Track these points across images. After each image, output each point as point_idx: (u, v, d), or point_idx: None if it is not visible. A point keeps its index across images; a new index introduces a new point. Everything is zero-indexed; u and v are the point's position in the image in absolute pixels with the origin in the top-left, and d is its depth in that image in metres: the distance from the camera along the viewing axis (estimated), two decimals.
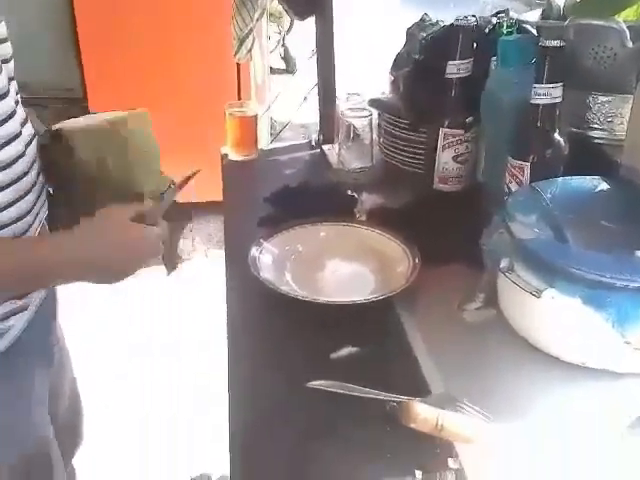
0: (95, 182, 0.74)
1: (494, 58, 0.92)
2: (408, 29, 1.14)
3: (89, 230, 0.69)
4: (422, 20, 1.13)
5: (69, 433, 0.98)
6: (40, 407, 0.82)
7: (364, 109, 1.13)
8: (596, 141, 0.88)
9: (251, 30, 1.30)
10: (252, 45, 1.35)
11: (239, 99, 2.21)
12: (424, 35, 1.07)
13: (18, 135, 0.71)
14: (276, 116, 2.94)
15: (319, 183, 1.08)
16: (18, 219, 0.70)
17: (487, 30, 0.98)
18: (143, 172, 0.77)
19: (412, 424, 0.53)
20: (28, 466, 0.79)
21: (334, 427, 0.60)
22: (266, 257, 0.85)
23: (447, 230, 0.86)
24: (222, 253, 0.94)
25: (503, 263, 0.68)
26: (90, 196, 0.74)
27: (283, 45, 4.04)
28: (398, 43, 1.15)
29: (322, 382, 0.62)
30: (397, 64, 1.13)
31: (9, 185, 0.69)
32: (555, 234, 0.69)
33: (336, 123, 1.18)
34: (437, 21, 1.11)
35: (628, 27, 0.83)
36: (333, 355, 0.69)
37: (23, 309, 0.76)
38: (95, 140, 0.74)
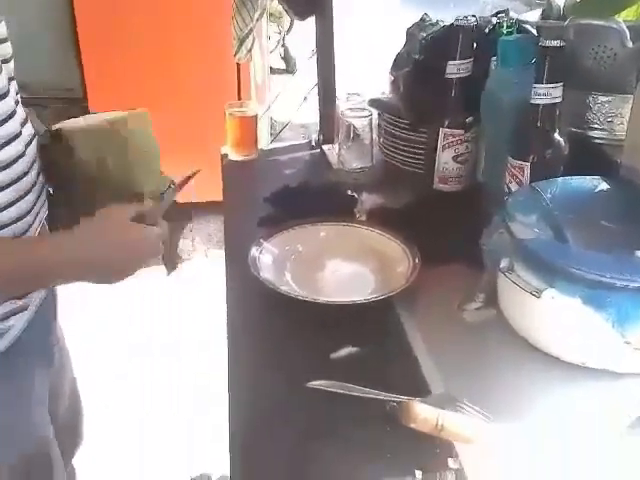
0: (95, 182, 0.74)
1: (494, 58, 0.92)
2: (408, 29, 1.14)
3: (89, 230, 0.69)
4: (422, 20, 1.13)
5: (69, 433, 0.98)
6: (40, 407, 0.82)
7: (364, 109, 1.13)
8: (596, 141, 0.88)
9: (251, 30, 1.30)
10: (252, 45, 1.35)
11: (239, 99, 2.21)
12: (424, 35, 1.07)
13: (18, 135, 0.71)
14: (276, 116, 2.94)
15: (319, 183, 1.08)
16: (18, 219, 0.70)
17: (487, 30, 0.98)
18: (143, 172, 0.77)
19: (412, 424, 0.53)
20: (28, 466, 0.78)
21: (334, 427, 0.60)
22: (266, 257, 0.85)
23: (447, 230, 0.86)
24: (222, 253, 0.94)
25: (503, 263, 0.68)
26: (90, 196, 0.74)
27: (283, 45, 4.04)
28: (398, 43, 1.15)
29: (322, 382, 0.62)
30: (397, 64, 1.13)
31: (9, 185, 0.69)
32: (555, 234, 0.69)
33: (336, 123, 1.18)
34: (437, 21, 1.11)
35: (628, 27, 0.83)
36: (333, 355, 0.69)
37: (23, 309, 0.76)
38: (95, 140, 0.74)
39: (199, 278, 2.09)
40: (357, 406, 0.61)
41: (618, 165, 0.81)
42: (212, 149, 1.32)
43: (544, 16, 1.04)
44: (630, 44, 0.83)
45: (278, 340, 0.74)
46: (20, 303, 0.75)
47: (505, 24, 0.93)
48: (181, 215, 0.82)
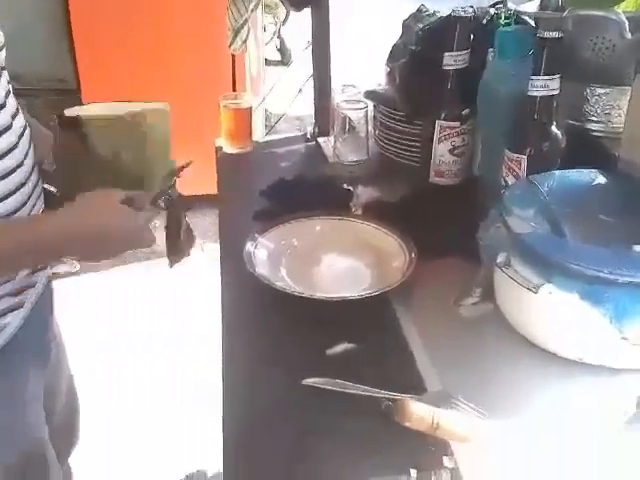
0: (108, 174, 0.73)
1: (491, 49, 0.91)
2: (405, 20, 1.12)
3: (79, 205, 0.70)
4: (419, 11, 1.11)
5: (65, 431, 0.97)
6: (35, 406, 0.81)
7: (360, 101, 1.12)
8: (594, 134, 0.87)
9: (246, 21, 1.29)
10: (247, 36, 1.33)
11: (234, 90, 2.19)
12: (421, 26, 1.06)
13: (9, 127, 0.70)
14: (271, 108, 2.92)
15: (314, 176, 1.07)
16: (15, 211, 0.70)
17: (485, 21, 0.96)
18: (159, 167, 0.76)
19: (407, 423, 0.53)
20: (24, 466, 0.78)
21: (329, 425, 0.60)
22: (261, 252, 0.84)
23: (443, 224, 0.85)
24: (218, 247, 0.93)
25: (500, 258, 0.67)
26: (101, 186, 0.72)
27: (279, 36, 4.01)
28: (394, 34, 1.14)
29: (317, 380, 0.61)
30: (393, 55, 1.11)
31: (3, 177, 0.68)
32: (552, 228, 0.69)
33: (332, 115, 1.17)
34: (434, 12, 1.09)
35: (627, 18, 0.82)
36: (329, 351, 0.69)
37: (19, 306, 0.75)
38: (113, 131, 0.73)
39: (196, 272, 2.08)
40: (352, 403, 0.61)
41: (616, 158, 0.81)
42: (207, 141, 1.31)
43: (542, 7, 1.03)
44: (629, 35, 0.82)
45: (273, 336, 0.73)
46: (16, 300, 0.74)
47: (503, 15, 0.92)
48: (179, 204, 0.80)
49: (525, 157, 0.79)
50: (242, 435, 0.61)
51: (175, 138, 0.79)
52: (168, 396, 1.69)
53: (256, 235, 0.86)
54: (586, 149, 0.85)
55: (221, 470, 0.58)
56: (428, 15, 1.09)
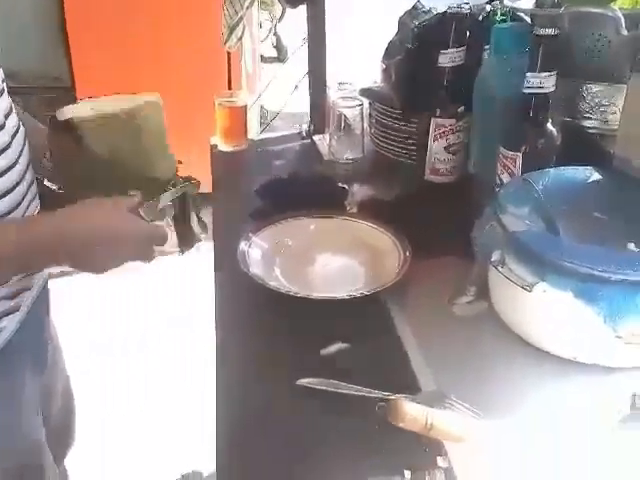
0: (108, 169, 0.72)
1: (487, 47, 0.90)
2: (400, 17, 1.12)
3: (80, 209, 0.67)
4: (414, 8, 1.11)
5: (62, 433, 0.97)
6: (32, 409, 0.81)
7: (355, 98, 1.11)
8: (589, 131, 0.87)
9: (241, 18, 1.28)
10: (242, 33, 1.33)
11: (229, 88, 2.18)
12: (416, 23, 1.05)
13: (2, 127, 0.69)
14: (267, 105, 2.91)
15: (309, 175, 1.06)
16: (9, 211, 0.69)
17: (480, 18, 0.96)
18: (157, 157, 0.76)
19: (401, 423, 0.52)
20: (21, 469, 0.78)
21: (322, 425, 0.60)
22: (255, 251, 0.83)
23: (438, 222, 0.85)
24: (212, 246, 0.93)
25: (494, 256, 0.67)
26: (102, 182, 0.71)
27: (275, 33, 4.00)
28: (390, 31, 1.13)
29: (311, 380, 0.61)
30: (389, 53, 1.11)
31: None
32: (547, 226, 0.69)
33: (327, 113, 1.16)
34: (430, 9, 1.09)
35: (624, 15, 0.82)
36: (323, 351, 0.68)
37: (15, 310, 0.74)
38: (109, 129, 0.72)
39: (190, 272, 2.08)
40: (346, 404, 0.60)
41: (611, 155, 0.81)
42: (202, 139, 1.30)
43: (538, 3, 1.02)
44: (625, 32, 0.81)
45: (267, 336, 0.73)
46: (12, 304, 0.73)
47: (499, 12, 0.92)
48: (185, 192, 0.79)
49: (520, 154, 0.79)
50: (235, 435, 0.61)
51: (170, 136, 0.78)
52: (163, 396, 1.69)
53: (250, 234, 0.85)
54: (581, 146, 0.84)
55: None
56: (424, 12, 1.09)
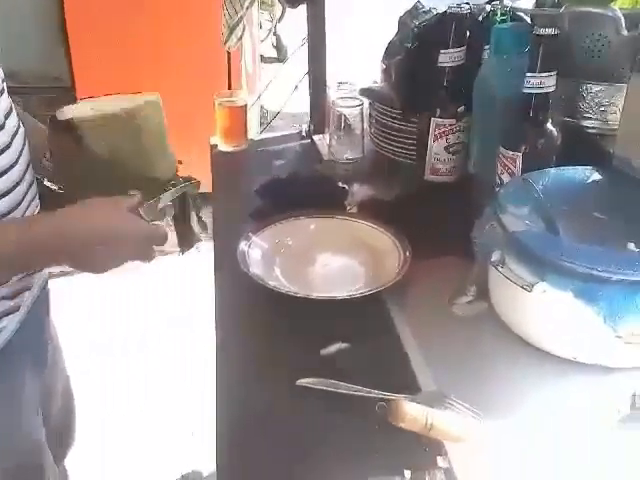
0: (109, 169, 0.72)
1: (487, 46, 0.90)
2: (400, 17, 1.12)
3: (80, 209, 0.67)
4: (415, 8, 1.10)
5: (62, 434, 0.97)
6: (32, 409, 0.81)
7: (355, 98, 1.11)
8: (589, 131, 0.87)
9: (241, 18, 1.28)
10: (242, 33, 1.33)
11: (229, 88, 2.18)
12: (417, 23, 1.05)
13: (1, 127, 0.69)
14: (267, 105, 2.91)
15: (309, 174, 1.06)
16: (9, 211, 0.69)
17: (481, 18, 0.96)
18: (158, 157, 0.75)
19: (401, 423, 0.52)
20: (21, 469, 0.78)
21: (322, 425, 0.60)
22: (255, 251, 0.83)
23: (438, 222, 0.85)
24: (212, 246, 0.93)
25: (494, 256, 0.67)
26: (103, 183, 0.71)
27: (275, 33, 4.00)
28: (390, 31, 1.13)
29: (310, 380, 0.61)
30: (389, 52, 1.11)
31: None
32: (547, 226, 0.69)
33: (327, 113, 1.16)
34: (430, 9, 1.09)
35: (623, 15, 0.82)
36: (323, 351, 0.68)
37: (15, 310, 0.74)
38: (109, 129, 0.71)
39: (190, 272, 2.08)
40: (346, 404, 0.60)
41: (611, 155, 0.80)
42: (202, 139, 1.30)
43: (539, 3, 1.02)
44: (625, 32, 0.81)
45: (267, 336, 0.73)
46: (12, 303, 0.73)
47: (499, 12, 0.92)
48: (185, 192, 0.79)
49: (520, 154, 0.79)
50: (235, 435, 0.61)
51: (170, 136, 0.78)
52: (163, 396, 1.69)
53: (250, 234, 0.85)
54: (581, 146, 0.84)
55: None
56: (424, 12, 1.09)
